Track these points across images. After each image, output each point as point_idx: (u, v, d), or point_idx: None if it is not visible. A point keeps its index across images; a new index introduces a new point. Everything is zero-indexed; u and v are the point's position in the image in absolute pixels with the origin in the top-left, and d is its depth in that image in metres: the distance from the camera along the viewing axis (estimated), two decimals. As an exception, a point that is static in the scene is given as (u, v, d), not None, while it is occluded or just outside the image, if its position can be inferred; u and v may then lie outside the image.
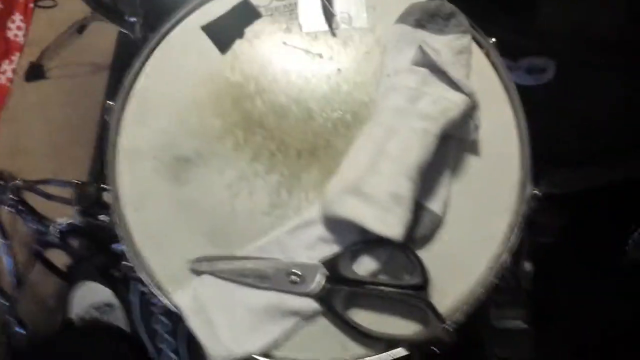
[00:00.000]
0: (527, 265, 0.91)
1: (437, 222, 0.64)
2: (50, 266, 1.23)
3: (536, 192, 0.66)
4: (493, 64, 0.73)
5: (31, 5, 1.76)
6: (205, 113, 0.70)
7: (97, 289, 1.15)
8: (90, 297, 1.15)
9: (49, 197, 1.16)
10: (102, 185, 0.70)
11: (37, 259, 1.21)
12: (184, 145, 0.69)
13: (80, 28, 1.48)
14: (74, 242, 1.24)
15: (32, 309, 1.31)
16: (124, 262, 0.67)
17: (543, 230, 0.79)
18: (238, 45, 0.74)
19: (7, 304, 1.14)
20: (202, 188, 0.67)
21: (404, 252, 0.62)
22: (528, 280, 0.95)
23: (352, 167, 0.63)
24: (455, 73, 0.64)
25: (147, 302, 1.18)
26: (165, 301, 0.63)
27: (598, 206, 1.20)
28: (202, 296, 0.62)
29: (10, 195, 1.09)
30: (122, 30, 1.05)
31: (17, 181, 1.09)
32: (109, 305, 1.14)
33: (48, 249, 1.20)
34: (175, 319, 0.66)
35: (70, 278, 1.19)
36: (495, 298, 0.98)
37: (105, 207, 0.70)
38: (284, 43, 0.75)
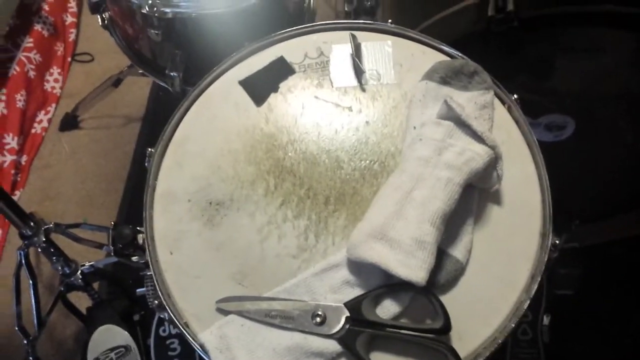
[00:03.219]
0: (545, 319, 0.91)
1: (460, 269, 0.66)
2: (71, 308, 1.25)
3: (557, 241, 0.67)
4: (515, 119, 0.76)
5: (69, 59, 1.85)
6: (240, 161, 0.74)
7: (116, 332, 1.17)
8: (109, 340, 1.16)
9: (78, 240, 1.19)
10: (137, 227, 0.73)
11: (60, 301, 1.23)
12: (218, 190, 0.72)
13: (116, 81, 1.55)
14: (96, 286, 1.26)
15: (51, 350, 1.33)
16: (152, 301, 0.69)
17: (562, 283, 0.80)
18: (273, 98, 0.78)
19: (28, 343, 1.16)
20: (233, 231, 0.70)
21: (426, 296, 0.63)
22: (546, 333, 0.95)
23: (378, 213, 0.66)
24: (479, 126, 0.67)
25: (166, 346, 1.18)
26: (191, 340, 0.64)
27: (618, 260, 1.20)
28: (229, 335, 0.63)
29: (42, 238, 1.12)
30: (162, 84, 1.10)
31: (49, 224, 1.13)
32: (126, 348, 1.15)
33: (71, 291, 1.23)
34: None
35: (90, 321, 1.20)
36: (513, 351, 0.97)
37: (139, 249, 0.73)
38: (316, 97, 0.79)
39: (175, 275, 0.68)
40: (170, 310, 0.66)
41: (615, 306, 1.21)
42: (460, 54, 0.80)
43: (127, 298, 1.23)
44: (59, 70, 1.80)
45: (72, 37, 1.87)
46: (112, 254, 0.77)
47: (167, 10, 0.93)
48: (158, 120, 1.66)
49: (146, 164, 0.75)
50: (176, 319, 0.65)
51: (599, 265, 1.17)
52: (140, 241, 0.71)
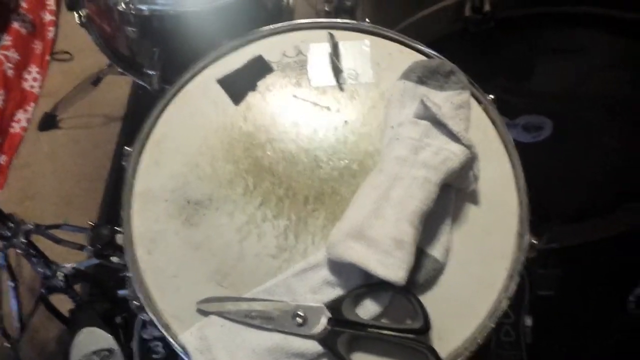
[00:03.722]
0: (528, 320, 0.92)
1: (439, 268, 0.66)
2: (53, 311, 1.24)
3: (534, 241, 0.68)
4: (491, 119, 0.77)
5: (47, 57, 1.83)
6: (218, 159, 0.74)
7: (99, 334, 1.15)
8: (91, 343, 1.15)
9: (58, 241, 1.18)
10: (115, 227, 0.72)
11: (41, 303, 1.22)
12: (196, 189, 0.72)
13: (96, 80, 1.54)
14: (78, 287, 1.25)
15: (33, 353, 1.31)
16: (134, 302, 0.69)
17: (543, 283, 0.80)
18: (251, 97, 0.78)
19: (10, 347, 1.14)
20: (212, 231, 0.69)
21: (405, 296, 0.63)
22: (528, 334, 0.96)
23: (356, 212, 0.66)
24: (455, 126, 0.68)
25: (148, 349, 1.18)
26: (172, 341, 0.64)
27: (598, 260, 1.21)
28: (209, 336, 0.63)
29: (21, 239, 1.11)
30: (140, 82, 1.10)
31: (29, 225, 1.12)
32: (109, 351, 1.14)
33: (52, 293, 1.21)
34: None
35: (72, 323, 1.19)
36: (496, 352, 0.98)
37: (118, 249, 0.72)
38: (294, 96, 0.79)
39: (154, 275, 0.67)
40: (151, 312, 0.66)
41: (597, 306, 1.22)
42: (437, 54, 0.81)
43: (109, 300, 1.22)
44: (37, 69, 1.79)
45: (50, 35, 1.85)
46: (92, 255, 0.76)
47: (144, 7, 0.92)
48: (138, 119, 1.62)
49: (123, 163, 0.74)
50: (156, 320, 0.65)
51: (580, 266, 1.18)
52: (119, 241, 0.71)
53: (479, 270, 0.67)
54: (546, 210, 0.93)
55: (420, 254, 0.65)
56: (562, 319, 1.20)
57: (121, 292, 0.85)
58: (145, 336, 1.18)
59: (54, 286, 1.19)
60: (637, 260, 1.23)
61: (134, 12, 0.92)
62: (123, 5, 0.91)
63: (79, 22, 1.12)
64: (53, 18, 1.88)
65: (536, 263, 0.72)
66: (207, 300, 0.65)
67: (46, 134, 1.68)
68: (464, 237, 0.69)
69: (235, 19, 0.96)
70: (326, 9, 1.20)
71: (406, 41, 0.83)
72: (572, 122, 1.09)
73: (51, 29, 1.86)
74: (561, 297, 1.01)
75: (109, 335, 1.15)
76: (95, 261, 1.08)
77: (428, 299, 0.64)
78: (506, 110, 0.81)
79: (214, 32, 0.93)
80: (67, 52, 1.83)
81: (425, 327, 0.61)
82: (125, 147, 0.75)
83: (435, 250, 0.66)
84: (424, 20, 1.03)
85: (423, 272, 0.65)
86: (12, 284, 1.14)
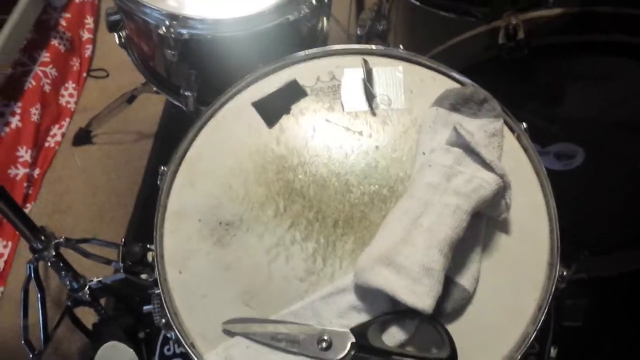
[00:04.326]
0: (553, 351, 0.91)
1: (467, 297, 0.66)
2: (77, 323, 1.25)
3: (565, 272, 0.67)
4: (524, 148, 0.77)
5: (84, 74, 1.88)
6: (250, 181, 0.75)
7: (121, 349, 1.16)
8: (114, 357, 1.16)
9: (87, 255, 1.20)
10: (146, 245, 0.73)
11: (66, 315, 1.23)
12: (228, 210, 0.73)
13: (130, 98, 1.57)
14: (103, 301, 1.27)
15: (56, 365, 1.33)
16: (160, 319, 0.70)
17: (569, 314, 0.79)
18: (284, 120, 0.80)
19: (34, 358, 1.16)
20: (241, 251, 0.70)
21: (432, 324, 0.63)
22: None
23: (385, 238, 0.66)
24: (488, 154, 0.68)
25: (171, 365, 1.18)
26: (197, 361, 0.64)
27: (626, 292, 1.19)
28: (235, 357, 0.63)
29: (50, 252, 1.13)
30: (176, 102, 1.12)
31: (59, 238, 1.14)
32: (131, 365, 1.15)
33: (78, 306, 1.23)
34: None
35: (95, 337, 1.20)
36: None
37: (147, 266, 0.73)
38: (327, 120, 0.79)
39: (183, 294, 0.68)
40: (177, 329, 0.66)
41: (623, 339, 1.20)
42: (470, 81, 0.81)
43: (133, 315, 1.23)
44: (74, 85, 1.83)
45: (88, 53, 1.90)
46: (121, 270, 0.77)
47: (184, 31, 0.94)
48: (170, 137, 1.68)
49: (158, 182, 0.75)
50: (182, 338, 0.65)
51: (607, 297, 1.16)
52: (150, 259, 0.72)
53: (508, 301, 0.66)
54: (576, 240, 0.91)
55: (448, 282, 0.64)
56: (587, 350, 1.17)
57: (146, 308, 0.85)
58: (166, 352, 1.19)
59: (80, 299, 1.21)
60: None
61: (174, 36, 0.94)
62: (164, 29, 0.94)
63: (118, 42, 1.15)
64: (91, 36, 1.93)
65: (565, 293, 0.71)
66: (234, 321, 0.66)
67: (80, 149, 1.72)
68: (494, 266, 0.68)
69: (271, 44, 0.98)
70: (358, 32, 1.22)
71: (439, 68, 0.83)
72: (604, 150, 1.08)
73: (89, 46, 1.91)
74: (587, 328, 1.00)
75: (131, 350, 1.15)
76: (121, 276, 1.09)
77: (455, 328, 0.64)
78: (538, 137, 0.80)
79: (251, 56, 0.95)
80: (103, 70, 1.87)
81: (452, 357, 0.61)
82: (161, 167, 0.76)
83: (464, 279, 0.66)
84: (457, 47, 1.03)
85: (451, 300, 0.65)
86: (39, 295, 1.15)
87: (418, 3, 1.07)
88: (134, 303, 1.30)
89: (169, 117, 1.73)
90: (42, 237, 1.11)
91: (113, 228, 1.54)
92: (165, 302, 0.68)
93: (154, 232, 0.72)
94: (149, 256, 0.72)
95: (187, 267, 0.70)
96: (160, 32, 0.94)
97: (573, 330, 0.80)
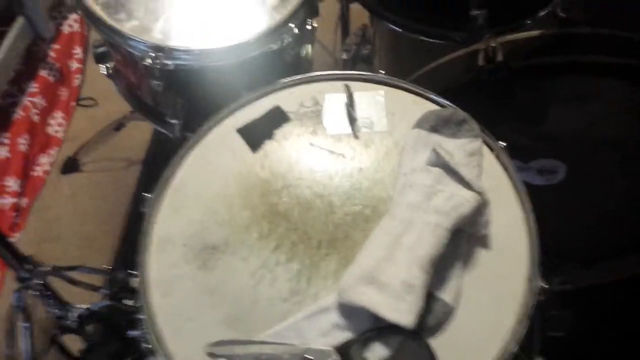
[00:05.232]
0: (538, 360, 0.91)
1: (449, 312, 0.66)
2: (64, 352, 1.24)
3: (544, 285, 0.68)
4: (503, 166, 0.78)
5: (73, 103, 1.88)
6: (235, 205, 0.75)
7: (108, 375, 1.16)
8: (100, 383, 1.15)
9: (75, 282, 1.19)
10: (130, 271, 0.74)
11: (53, 344, 1.22)
12: (214, 234, 0.73)
13: (118, 126, 1.58)
14: (90, 328, 1.25)
15: (43, 394, 1.31)
16: (144, 345, 0.70)
17: (554, 324, 0.80)
18: (268, 145, 0.81)
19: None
20: (227, 275, 0.71)
21: (415, 340, 0.63)
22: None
23: (368, 257, 0.67)
24: (467, 173, 0.69)
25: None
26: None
27: (610, 302, 1.20)
28: (220, 380, 0.64)
29: (37, 281, 1.13)
30: (162, 130, 1.13)
31: (46, 267, 1.14)
32: (117, 392, 1.14)
33: (65, 333, 1.22)
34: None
35: (82, 364, 1.19)
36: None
37: (132, 292, 0.73)
38: (311, 144, 0.81)
39: (168, 318, 0.68)
40: (162, 354, 0.66)
41: (609, 349, 1.20)
42: (449, 103, 0.83)
43: (120, 340, 1.22)
44: (62, 115, 1.83)
45: (76, 82, 1.91)
46: (107, 297, 0.77)
47: (169, 62, 0.95)
48: (158, 163, 1.67)
49: (142, 209, 0.76)
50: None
51: (592, 307, 1.17)
52: (134, 285, 0.72)
53: (489, 315, 0.67)
54: (560, 252, 0.92)
55: (430, 297, 0.65)
56: (573, 360, 1.18)
57: (132, 333, 0.85)
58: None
59: (67, 327, 1.20)
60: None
61: (159, 67, 0.95)
62: (149, 61, 0.95)
63: (105, 73, 1.16)
64: (80, 66, 1.94)
65: (549, 304, 0.72)
66: (218, 344, 0.66)
67: (68, 177, 1.72)
68: (475, 281, 0.69)
69: (255, 72, 0.99)
70: (344, 57, 1.24)
71: (420, 91, 0.85)
72: (586, 166, 1.09)
73: (77, 76, 1.92)
74: (573, 338, 1.00)
75: (118, 376, 1.14)
76: (108, 302, 1.09)
77: (438, 343, 0.64)
78: (520, 153, 0.82)
79: (236, 84, 0.96)
80: (92, 99, 1.88)
81: (435, 372, 0.61)
82: (145, 194, 0.77)
83: (446, 294, 0.67)
84: (438, 70, 1.05)
85: (433, 315, 0.66)
86: (26, 324, 1.14)
87: (399, 29, 1.10)
88: (120, 328, 1.29)
89: (157, 144, 1.73)
90: (29, 266, 1.11)
91: (102, 255, 1.54)
92: (149, 327, 0.68)
93: (138, 259, 0.72)
94: (133, 282, 0.72)
95: (172, 291, 0.70)
96: (146, 63, 0.95)
97: (560, 340, 0.81)
